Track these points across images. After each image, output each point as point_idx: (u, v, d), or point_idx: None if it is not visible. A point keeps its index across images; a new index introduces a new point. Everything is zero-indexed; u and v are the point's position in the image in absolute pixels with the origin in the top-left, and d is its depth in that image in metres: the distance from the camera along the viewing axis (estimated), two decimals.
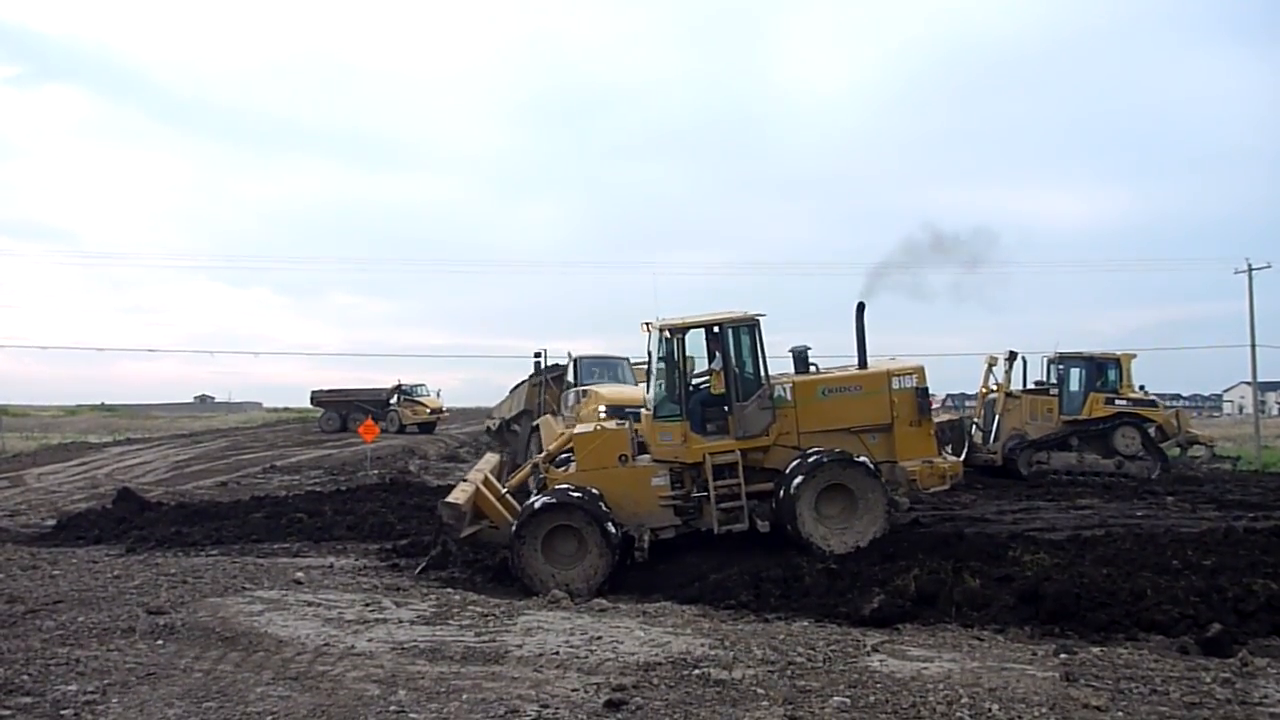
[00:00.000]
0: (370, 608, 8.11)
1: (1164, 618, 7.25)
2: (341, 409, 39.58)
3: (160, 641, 6.86)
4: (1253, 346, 36.29)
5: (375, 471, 25.10)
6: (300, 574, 9.88)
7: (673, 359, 10.76)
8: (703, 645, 6.70)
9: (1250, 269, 36.27)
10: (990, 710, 5.24)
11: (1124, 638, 7.05)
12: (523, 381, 22.57)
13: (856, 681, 5.82)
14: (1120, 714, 5.27)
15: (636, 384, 19.83)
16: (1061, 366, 20.91)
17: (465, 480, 10.68)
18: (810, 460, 10.30)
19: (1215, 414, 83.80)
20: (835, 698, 5.50)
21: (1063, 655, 6.50)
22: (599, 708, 5.33)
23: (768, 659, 6.32)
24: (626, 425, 11.17)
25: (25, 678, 5.86)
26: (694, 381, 10.86)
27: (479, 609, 8.11)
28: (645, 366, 19.64)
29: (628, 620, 7.71)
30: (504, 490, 10.91)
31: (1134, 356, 21.30)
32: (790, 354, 11.58)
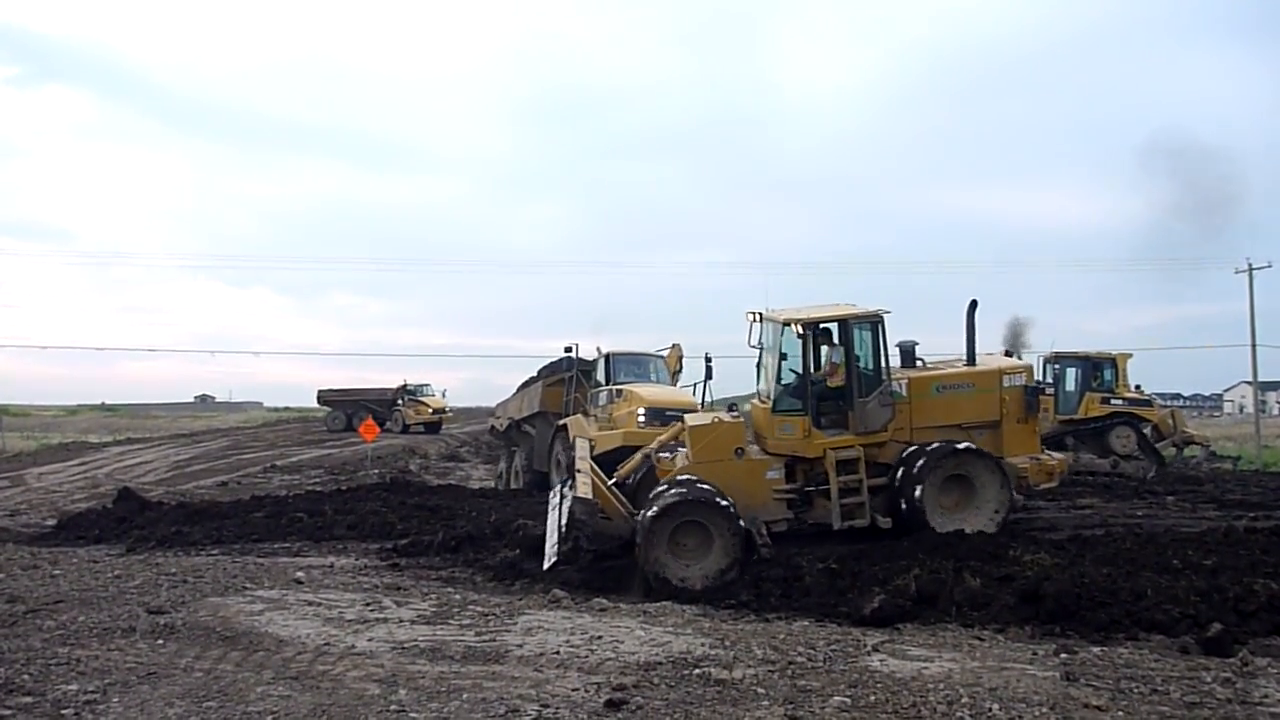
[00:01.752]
0: (371, 607, 8.11)
1: (1164, 617, 7.24)
2: (348, 408, 39.70)
3: (161, 641, 6.86)
4: (1253, 346, 36.34)
5: (376, 471, 25.11)
6: (301, 573, 9.88)
7: (797, 353, 10.81)
8: (703, 645, 6.70)
9: (1250, 269, 36.31)
10: (990, 710, 5.24)
11: (1124, 637, 7.05)
12: (532, 380, 21.72)
13: (857, 681, 5.82)
14: (1121, 713, 5.27)
15: (672, 383, 19.21)
16: (1057, 366, 20.89)
17: (579, 471, 10.49)
18: (934, 449, 10.42)
19: (1215, 414, 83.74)
20: (836, 697, 5.50)
21: (1063, 655, 6.50)
22: (599, 707, 5.33)
23: (768, 659, 6.32)
24: (741, 417, 11.20)
25: (26, 677, 5.86)
26: (793, 373, 10.95)
27: (479, 608, 8.11)
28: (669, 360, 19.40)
29: (628, 620, 7.71)
30: (610, 481, 10.88)
31: (1130, 356, 21.30)
32: (897, 349, 11.57)
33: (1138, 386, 21.14)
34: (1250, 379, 39.44)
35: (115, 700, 5.47)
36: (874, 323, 10.89)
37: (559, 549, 9.89)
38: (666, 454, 11.30)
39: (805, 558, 9.49)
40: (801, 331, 10.68)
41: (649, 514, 9.58)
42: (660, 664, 6.21)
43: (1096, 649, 6.69)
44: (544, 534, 10.54)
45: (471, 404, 52.60)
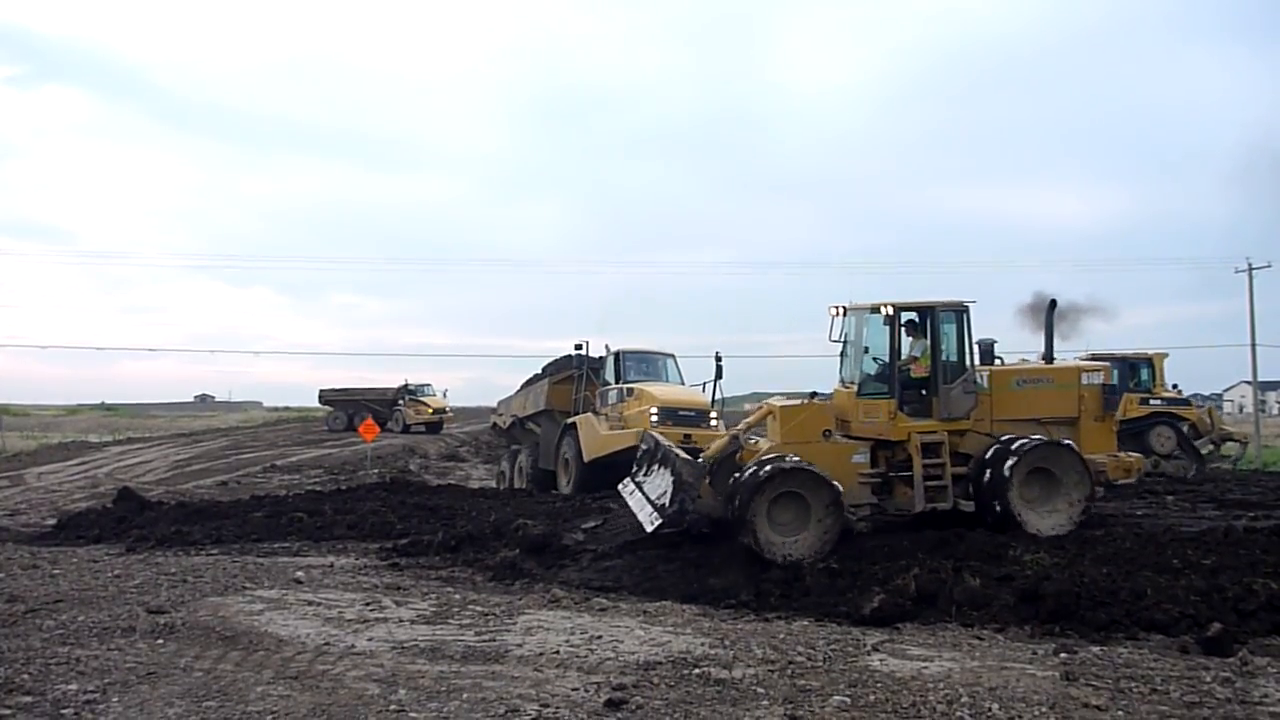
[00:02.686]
0: (370, 607, 8.11)
1: (1164, 617, 7.25)
2: (349, 408, 39.73)
3: (160, 640, 6.86)
4: (1253, 346, 36.34)
5: (375, 471, 25.11)
6: (300, 573, 9.88)
7: (883, 340, 11.16)
8: (703, 644, 6.70)
9: (1250, 268, 36.31)
10: (990, 709, 5.24)
11: (1124, 637, 7.05)
12: (538, 377, 21.38)
13: (856, 681, 5.82)
14: (1120, 713, 5.27)
15: (684, 382, 18.95)
16: None
17: (669, 449, 10.82)
18: (1021, 441, 10.62)
19: None
20: (835, 697, 5.50)
21: (1063, 654, 6.50)
22: (599, 707, 5.33)
23: (768, 658, 6.32)
24: (827, 401, 11.51)
25: (25, 677, 5.86)
26: (878, 360, 11.27)
27: (479, 608, 8.11)
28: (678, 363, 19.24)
29: (628, 619, 7.71)
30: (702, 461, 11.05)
31: (1166, 356, 21.36)
32: (977, 346, 11.81)
33: (1175, 386, 21.17)
34: (1250, 379, 39.46)
35: (115, 700, 5.46)
36: (959, 312, 11.27)
37: (665, 510, 10.17)
38: (754, 438, 11.54)
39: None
40: (888, 319, 11.04)
41: (752, 482, 9.85)
42: (660, 663, 6.21)
43: (1096, 648, 6.69)
44: (633, 508, 11.00)
45: (471, 404, 52.66)
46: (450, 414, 41.46)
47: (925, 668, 6.13)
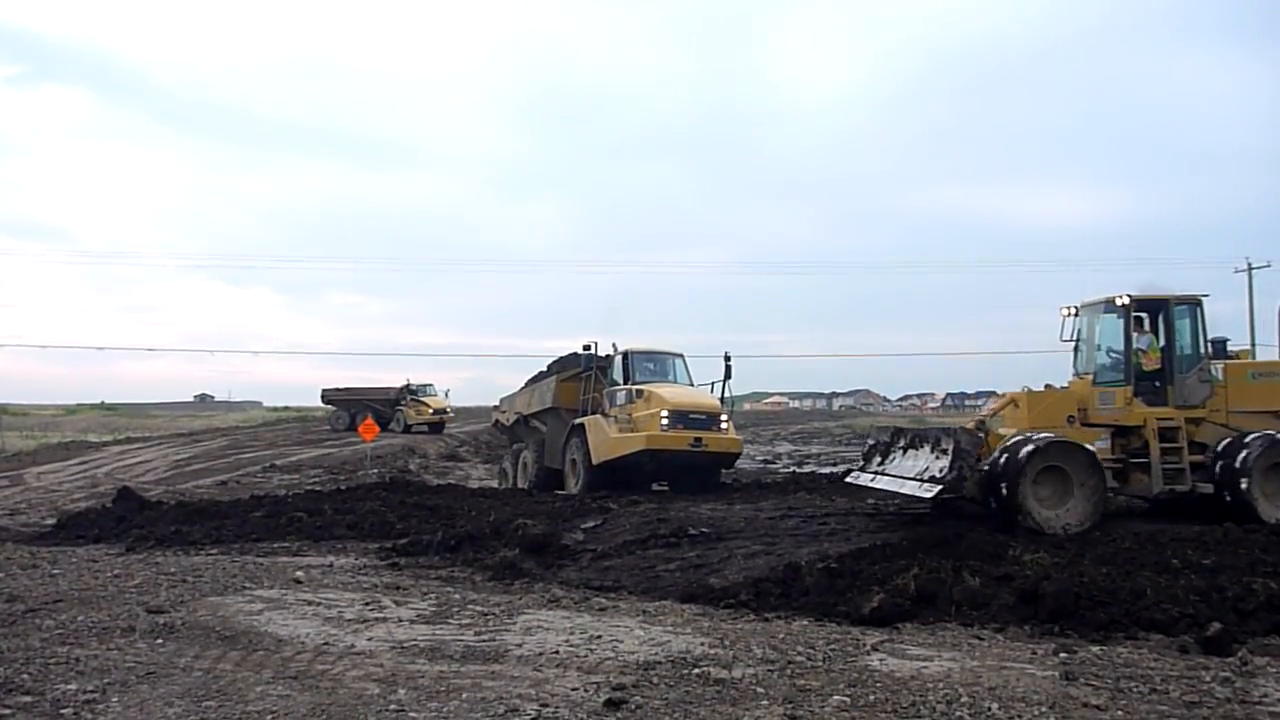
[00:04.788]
0: (370, 607, 8.11)
1: (1164, 617, 7.25)
2: (351, 408, 39.70)
3: (160, 640, 6.86)
4: (1253, 346, 36.30)
5: (375, 470, 25.10)
6: (300, 573, 9.88)
7: (1118, 330, 11.90)
8: (702, 644, 6.70)
9: (1250, 268, 36.41)
10: (990, 709, 5.24)
11: (1124, 637, 7.04)
12: (544, 374, 21.16)
13: (856, 680, 5.82)
14: (1120, 713, 5.27)
15: (692, 383, 18.78)
16: None
17: (929, 426, 11.84)
18: (1266, 435, 11.16)
19: None
20: (835, 697, 5.50)
21: (1062, 654, 6.50)
22: (599, 706, 5.33)
23: (767, 658, 6.32)
24: (1072, 388, 12.16)
25: (25, 676, 5.86)
26: (1113, 352, 11.96)
27: (479, 608, 8.11)
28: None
29: (627, 619, 7.71)
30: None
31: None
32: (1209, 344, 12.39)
33: None
34: None
35: (114, 699, 5.46)
36: (1193, 305, 11.94)
37: (945, 478, 10.86)
38: (1003, 428, 12.10)
39: (804, 557, 9.51)
40: (1125, 310, 11.70)
41: (1020, 454, 10.62)
42: (660, 663, 6.21)
43: (1095, 648, 6.69)
44: (888, 489, 12.02)
45: (471, 404, 52.61)
46: (451, 414, 41.43)
47: (925, 667, 6.13)
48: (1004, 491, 10.68)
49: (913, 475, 11.55)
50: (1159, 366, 11.72)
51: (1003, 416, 12.28)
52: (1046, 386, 12.41)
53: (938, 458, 11.35)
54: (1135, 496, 11.75)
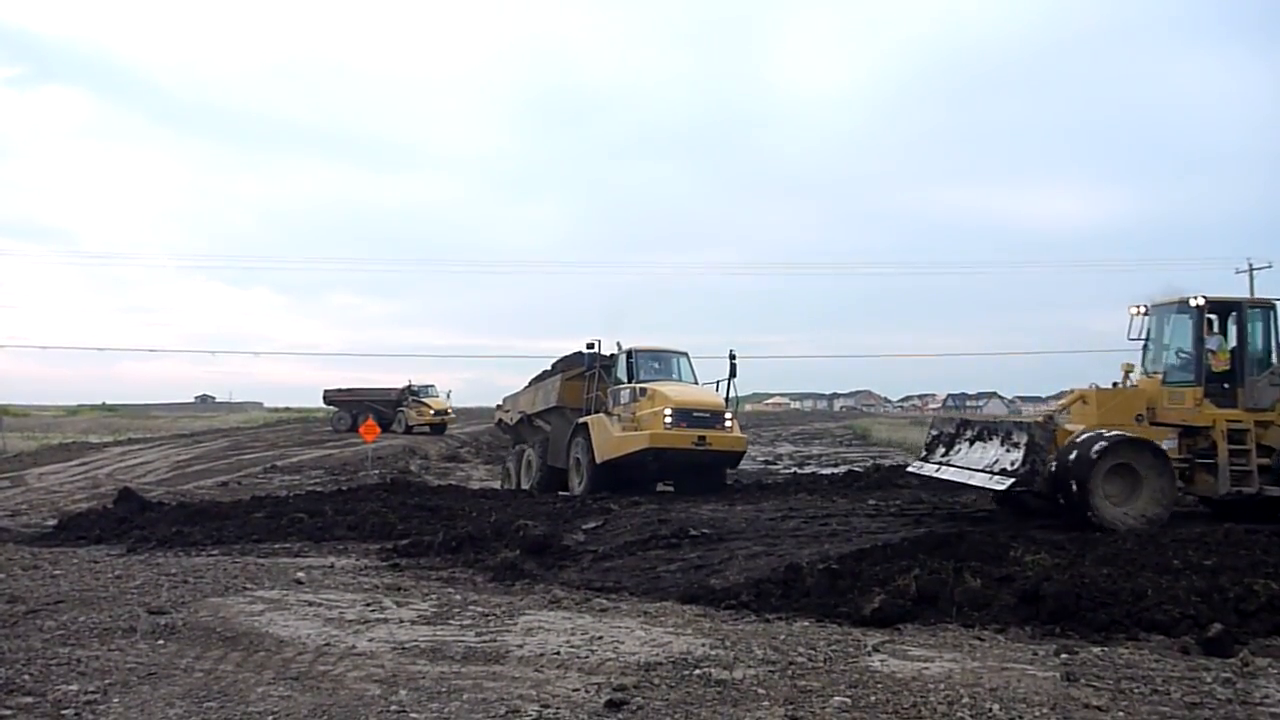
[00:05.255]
0: (371, 607, 8.11)
1: (1165, 618, 7.24)
2: (353, 408, 39.74)
3: (161, 641, 6.86)
4: None
5: (376, 471, 25.11)
6: (301, 574, 9.88)
7: (1187, 331, 12.04)
8: (703, 645, 6.70)
9: (1251, 269, 36.38)
10: (991, 710, 5.24)
11: (1125, 638, 7.04)
12: (548, 373, 21.04)
13: (857, 681, 5.82)
14: (1121, 714, 5.26)
15: (697, 381, 18.67)
16: None
17: (999, 417, 11.98)
18: None
19: None
20: (836, 698, 5.50)
21: (1064, 655, 6.50)
22: (600, 707, 5.33)
23: (768, 659, 6.32)
24: (1141, 387, 12.37)
25: (26, 677, 5.86)
26: (1182, 353, 12.10)
27: (480, 609, 8.11)
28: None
29: (628, 620, 7.71)
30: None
31: None
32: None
33: None
34: None
35: (115, 700, 5.46)
36: (1266, 309, 12.19)
37: (1018, 470, 11.06)
38: (1070, 424, 12.22)
39: (805, 558, 9.50)
40: (1198, 311, 11.82)
41: (1092, 451, 10.78)
42: (661, 664, 6.21)
43: (1097, 649, 6.69)
44: (955, 480, 12.20)
45: (472, 404, 52.64)
46: (453, 415, 41.45)
47: (926, 668, 6.12)
48: (1073, 487, 10.79)
49: (981, 467, 11.65)
50: (1229, 368, 11.81)
51: (1070, 412, 12.40)
52: (1116, 384, 12.58)
53: (1008, 450, 11.44)
54: (1200, 497, 11.85)
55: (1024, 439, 11.32)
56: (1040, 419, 12.34)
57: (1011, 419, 12.50)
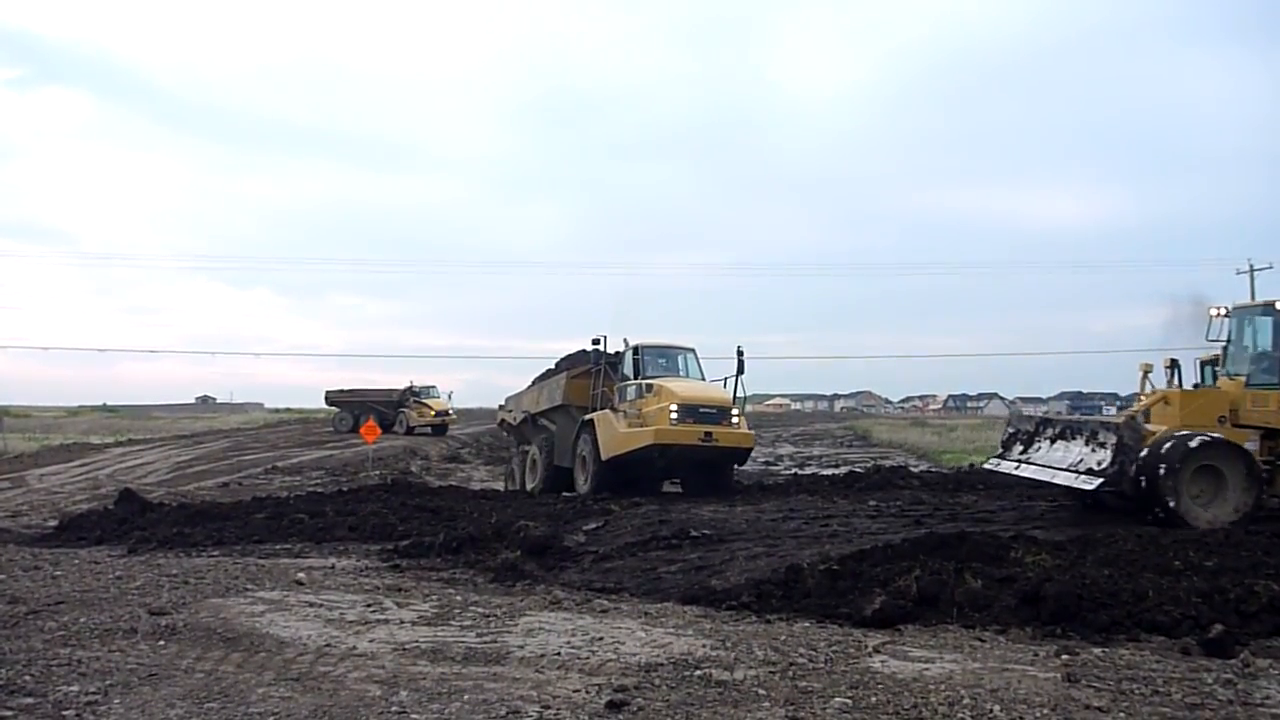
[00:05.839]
0: (372, 608, 8.11)
1: (1166, 619, 7.24)
2: (355, 409, 39.80)
3: (162, 642, 6.86)
4: None
5: (377, 472, 25.13)
6: (302, 575, 9.88)
7: (1269, 333, 12.10)
8: (704, 646, 6.70)
9: (1252, 269, 36.36)
10: (992, 711, 5.24)
11: (1126, 638, 7.04)
12: (552, 372, 20.97)
13: (858, 682, 5.82)
14: (1122, 715, 5.26)
15: (704, 378, 18.57)
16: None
17: (1079, 417, 12.12)
18: None
19: None
20: (837, 699, 5.50)
21: (1064, 656, 6.50)
22: (600, 708, 5.33)
23: (769, 660, 6.32)
24: (1222, 388, 12.43)
25: (27, 678, 5.86)
26: (1266, 355, 12.13)
27: (480, 610, 8.11)
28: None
29: (629, 621, 7.71)
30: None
31: None
32: None
33: None
34: None
35: (116, 701, 5.46)
36: None
37: (1106, 470, 11.09)
38: (1151, 425, 12.28)
39: (806, 559, 9.50)
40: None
41: (1178, 452, 10.84)
42: (661, 665, 6.21)
43: (1098, 650, 6.68)
44: (1037, 478, 12.22)
45: (473, 405, 52.66)
46: (454, 416, 41.50)
47: (927, 669, 6.12)
48: (1160, 488, 10.84)
49: (1064, 466, 11.66)
50: None
51: (1152, 413, 12.45)
52: (1201, 385, 12.75)
53: (1094, 450, 11.45)
54: (1276, 497, 11.85)
55: (1112, 439, 11.34)
56: (1124, 419, 12.37)
57: (1096, 419, 12.54)
